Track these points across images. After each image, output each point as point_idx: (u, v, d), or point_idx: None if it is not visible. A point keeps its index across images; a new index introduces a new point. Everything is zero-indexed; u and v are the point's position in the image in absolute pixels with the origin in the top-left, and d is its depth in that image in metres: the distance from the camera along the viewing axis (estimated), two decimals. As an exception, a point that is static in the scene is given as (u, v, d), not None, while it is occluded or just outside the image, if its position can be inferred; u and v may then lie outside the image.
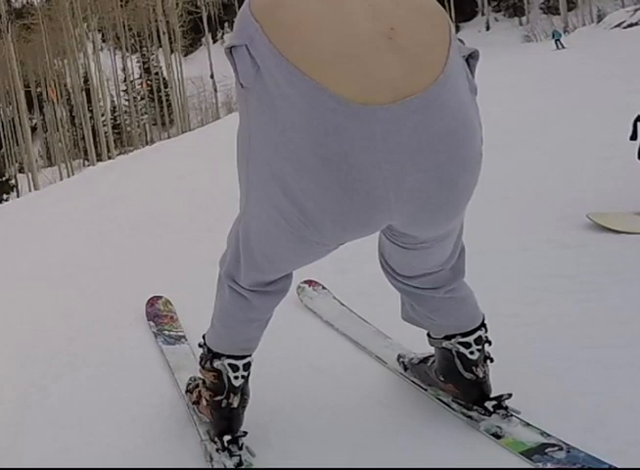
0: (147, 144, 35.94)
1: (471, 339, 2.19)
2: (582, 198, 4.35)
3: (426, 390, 2.37)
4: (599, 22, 42.89)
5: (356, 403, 2.39)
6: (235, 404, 2.11)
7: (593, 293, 3.03)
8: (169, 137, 30.68)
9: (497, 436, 2.09)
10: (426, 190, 1.72)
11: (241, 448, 2.08)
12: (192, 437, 2.27)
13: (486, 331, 2.24)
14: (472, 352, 2.18)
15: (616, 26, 35.86)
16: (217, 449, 2.10)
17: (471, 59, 1.83)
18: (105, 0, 53.63)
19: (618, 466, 1.89)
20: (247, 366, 2.15)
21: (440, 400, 2.30)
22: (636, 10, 37.33)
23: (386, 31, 1.65)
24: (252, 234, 1.97)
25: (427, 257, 2.07)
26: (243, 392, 2.14)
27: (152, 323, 3.18)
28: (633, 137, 3.92)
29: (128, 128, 59.40)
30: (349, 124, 1.62)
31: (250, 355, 2.17)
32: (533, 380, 2.35)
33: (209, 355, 2.17)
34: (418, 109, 1.64)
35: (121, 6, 55.48)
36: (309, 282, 3.31)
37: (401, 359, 2.53)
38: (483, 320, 2.24)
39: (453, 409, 2.24)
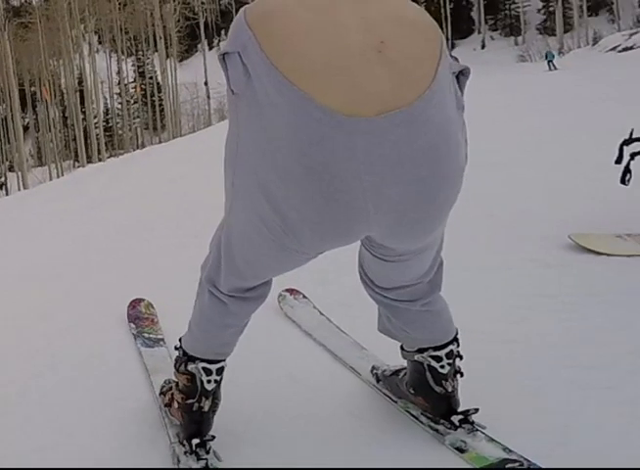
0: (138, 148, 35.93)
1: (442, 353, 2.20)
2: (566, 218, 4.39)
3: (396, 402, 2.39)
4: (594, 44, 43.14)
5: (329, 414, 2.40)
6: (206, 408, 2.13)
7: (574, 313, 3.06)
8: (160, 142, 30.64)
9: (461, 450, 2.11)
10: (405, 203, 1.75)
11: (208, 453, 2.09)
12: (163, 439, 2.28)
13: (458, 345, 2.26)
14: (442, 366, 2.20)
15: (611, 50, 36.06)
16: (185, 452, 2.11)
17: (461, 76, 1.87)
18: (103, 2, 53.44)
19: None
20: (220, 371, 2.16)
21: (409, 413, 2.32)
22: (632, 34, 37.57)
23: (376, 44, 1.68)
24: (235, 240, 1.99)
25: (405, 269, 2.09)
26: (214, 396, 2.16)
27: (132, 325, 3.20)
28: (618, 161, 3.97)
29: (120, 131, 59.29)
30: (333, 135, 1.65)
31: (224, 360, 2.18)
32: (507, 397, 2.38)
33: (184, 358, 2.19)
34: (401, 123, 1.67)
35: (119, 9, 55.41)
36: (291, 291, 3.34)
37: (375, 371, 2.55)
38: (456, 335, 2.26)
39: (421, 422, 2.26)
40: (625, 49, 34.25)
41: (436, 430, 2.20)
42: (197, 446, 2.09)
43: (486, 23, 67.00)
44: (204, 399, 2.13)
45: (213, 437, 2.12)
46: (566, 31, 55.13)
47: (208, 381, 2.14)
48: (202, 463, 2.08)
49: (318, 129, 1.65)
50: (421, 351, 2.22)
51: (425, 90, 1.69)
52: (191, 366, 2.15)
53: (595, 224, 4.17)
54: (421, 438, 2.22)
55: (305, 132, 1.66)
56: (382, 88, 1.66)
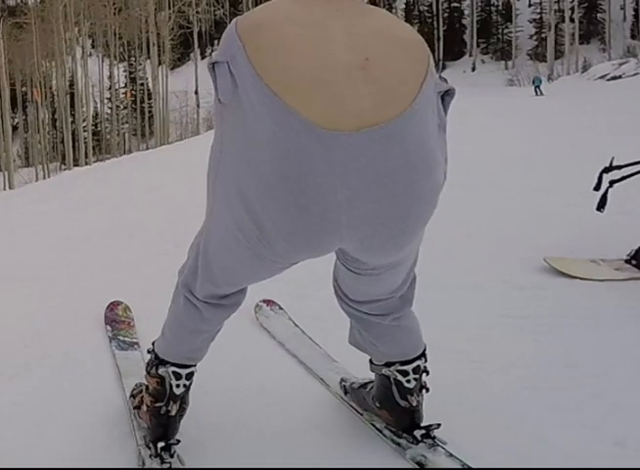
0: (125, 153, 35.78)
1: (409, 367, 2.22)
2: (544, 242, 4.44)
3: (362, 414, 2.42)
4: (584, 72, 43.48)
5: (296, 426, 2.43)
6: (173, 412, 2.15)
7: (544, 335, 3.10)
8: (148, 148, 30.60)
9: (421, 464, 2.13)
10: (378, 218, 1.78)
11: (172, 457, 2.11)
12: (131, 442, 2.30)
13: (426, 361, 2.27)
14: (408, 381, 2.22)
15: (599, 78, 36.36)
16: (150, 455, 2.13)
17: (447, 96, 1.90)
18: (98, 6, 53.35)
19: None
20: (189, 376, 2.18)
21: (374, 426, 2.34)
22: (621, 64, 37.92)
23: (360, 62, 1.71)
24: (212, 247, 2.02)
25: (377, 283, 2.10)
26: (182, 401, 2.17)
27: (108, 327, 3.22)
28: (597, 188, 4.03)
29: (108, 136, 59.01)
30: (312, 148, 1.68)
31: (194, 366, 2.20)
32: (472, 416, 2.41)
33: (156, 362, 2.21)
34: (379, 139, 1.70)
35: (114, 14, 55.25)
36: (267, 301, 3.37)
37: (343, 383, 2.57)
38: (424, 350, 2.28)
39: (384, 436, 2.28)
40: (614, 78, 34.58)
41: (398, 443, 2.22)
42: (162, 449, 2.10)
43: (478, 46, 67.46)
44: (172, 403, 2.15)
45: (178, 441, 2.14)
46: (556, 58, 55.60)
47: (177, 385, 2.15)
48: (165, 467, 2.09)
49: (298, 142, 1.69)
50: (388, 365, 2.24)
51: (405, 108, 1.72)
52: (161, 370, 2.17)
53: (571, 249, 4.23)
54: (383, 451, 2.24)
55: (285, 143, 1.70)
56: (363, 105, 1.69)
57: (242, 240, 1.87)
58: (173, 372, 2.16)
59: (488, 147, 9.42)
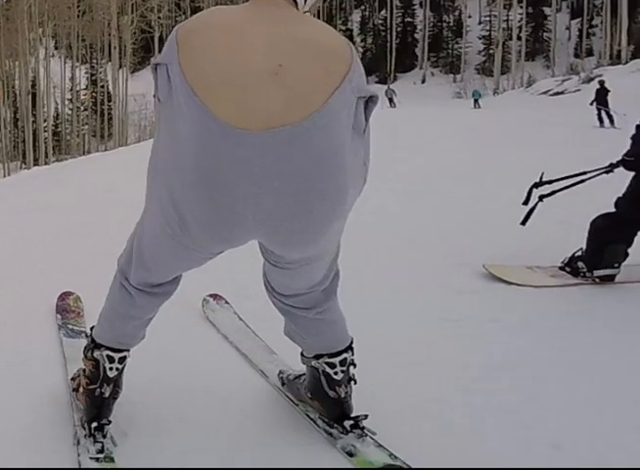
0: (84, 154, 35.39)
1: (336, 360, 2.26)
2: (482, 248, 4.46)
3: (297, 405, 2.45)
4: (528, 87, 44.03)
5: (234, 416, 2.44)
6: (106, 394, 2.20)
7: (480, 338, 3.11)
8: (106, 149, 30.24)
9: (351, 454, 2.17)
10: (280, 215, 1.86)
11: (105, 437, 2.16)
12: (70, 422, 2.33)
13: (353, 354, 2.31)
14: (336, 373, 2.26)
15: (543, 93, 36.90)
16: (85, 435, 2.18)
17: (370, 102, 1.94)
18: (63, 8, 52.73)
19: None
20: (122, 360, 2.24)
21: (308, 416, 2.37)
22: (564, 80, 38.53)
23: (274, 68, 1.78)
24: (145, 236, 2.11)
25: (296, 277, 2.17)
26: (116, 384, 2.23)
27: (59, 316, 3.22)
28: (526, 202, 4.06)
29: (68, 137, 58.21)
30: (222, 145, 1.79)
31: (127, 350, 2.26)
32: (405, 415, 2.42)
33: (92, 345, 2.27)
34: (285, 140, 1.78)
35: (78, 16, 54.68)
36: (214, 296, 3.39)
37: (281, 375, 2.61)
38: (351, 344, 2.32)
39: (318, 426, 2.32)
40: (557, 93, 35.11)
41: (330, 433, 2.26)
42: (95, 429, 2.15)
43: (429, 59, 67.92)
44: (105, 385, 2.20)
45: (110, 421, 2.18)
46: (502, 73, 56.20)
47: (111, 368, 2.21)
48: (98, 446, 2.13)
49: (211, 139, 1.79)
50: (317, 357, 2.29)
51: (313, 112, 1.79)
52: (96, 353, 2.23)
53: (509, 255, 4.25)
54: (316, 441, 2.28)
55: (200, 140, 1.81)
56: (272, 107, 1.78)
57: (167, 229, 1.96)
58: (107, 356, 2.22)
59: (429, 156, 9.48)
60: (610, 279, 3.81)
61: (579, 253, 3.94)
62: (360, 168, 1.97)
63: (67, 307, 3.29)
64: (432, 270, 4.11)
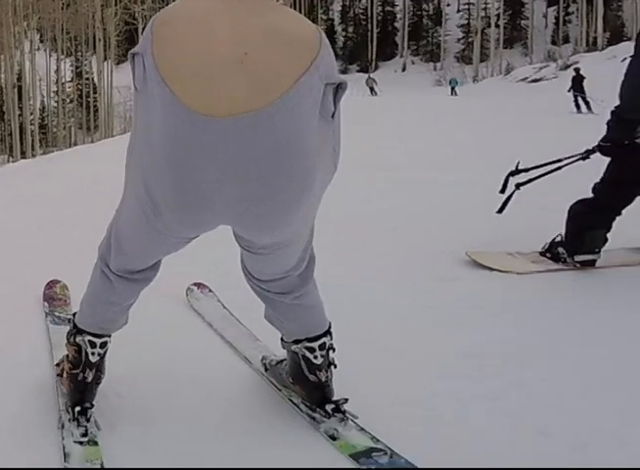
0: (70, 146, 35.12)
1: (316, 344, 2.28)
2: (464, 235, 4.42)
3: (280, 390, 2.46)
4: (506, 74, 44.07)
5: (219, 402, 2.45)
6: (89, 379, 2.23)
7: (463, 325, 3.07)
8: (93, 141, 30.06)
9: (333, 438, 2.18)
10: (246, 199, 1.88)
11: (88, 421, 2.18)
12: (55, 407, 2.35)
13: (331, 339, 2.32)
14: (316, 357, 2.27)
15: (521, 80, 36.93)
16: (69, 419, 2.20)
17: (340, 89, 1.94)
18: (47, 1, 52.19)
19: None
20: (103, 345, 2.27)
21: (291, 401, 2.38)
22: (542, 67, 38.58)
23: (239, 56, 1.80)
24: (122, 222, 2.15)
25: (270, 262, 2.18)
26: (98, 369, 2.25)
27: (46, 304, 3.24)
28: (502, 190, 4.03)
29: (54, 129, 57.70)
30: (188, 131, 1.82)
31: (108, 336, 2.29)
32: (389, 403, 2.39)
33: (74, 331, 2.30)
34: (248, 125, 1.80)
35: (62, 8, 54.21)
36: (198, 285, 3.39)
37: (264, 361, 2.61)
38: (329, 328, 2.33)
39: (301, 410, 2.33)
40: (534, 80, 35.17)
41: (313, 418, 2.27)
42: (78, 413, 2.18)
43: (409, 48, 67.93)
44: (88, 370, 2.23)
45: (92, 404, 2.21)
46: (481, 61, 56.35)
47: (92, 353, 2.24)
48: (81, 430, 2.15)
49: (177, 125, 1.82)
50: (297, 342, 2.31)
51: (276, 98, 1.80)
52: (79, 338, 2.26)
53: (490, 243, 4.21)
54: (299, 425, 2.28)
55: (169, 126, 1.83)
56: (236, 94, 1.79)
57: (141, 214, 1.99)
58: (89, 341, 2.24)
59: (410, 144, 9.46)
60: (590, 264, 3.79)
61: (559, 238, 3.92)
62: (330, 154, 1.98)
63: (53, 295, 3.31)
64: (414, 258, 4.08)
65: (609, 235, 3.82)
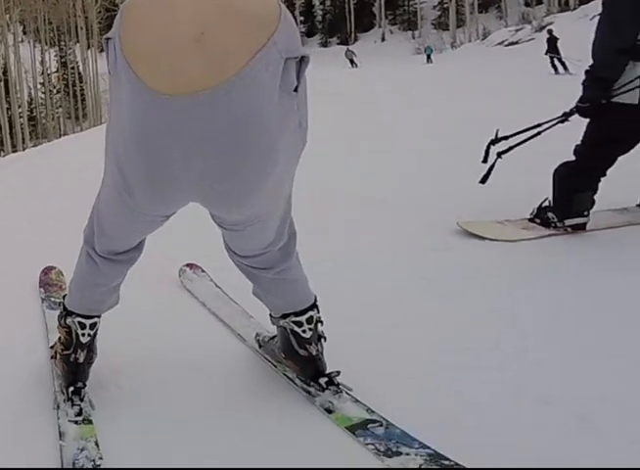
0: (60, 136, 34.83)
1: (303, 318, 2.28)
2: (451, 206, 4.32)
3: (275, 366, 2.45)
4: (484, 39, 43.80)
5: (215, 378, 2.45)
6: (81, 360, 2.26)
7: (458, 296, 3.00)
8: (82, 130, 29.84)
9: (329, 411, 2.17)
10: (209, 177, 1.89)
11: (82, 400, 2.21)
12: (51, 388, 2.37)
13: (318, 312, 2.32)
14: (304, 331, 2.28)
15: (498, 44, 36.70)
16: (64, 399, 2.23)
17: (303, 63, 1.92)
18: (28, -7, 51.80)
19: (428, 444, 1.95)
20: (93, 325, 2.30)
21: (287, 376, 2.37)
22: (517, 30, 38.32)
23: (196, 35, 1.79)
24: (102, 203, 2.16)
25: (246, 237, 2.18)
26: (89, 349, 2.28)
27: (42, 290, 3.25)
28: (485, 160, 3.93)
29: (44, 121, 57.25)
30: (152, 110, 1.83)
31: (97, 317, 2.32)
32: (388, 376, 2.34)
33: (64, 313, 2.33)
34: (206, 103, 1.79)
35: (42, 0, 53.67)
36: (190, 265, 3.37)
37: (257, 337, 2.61)
38: (315, 302, 2.33)
39: (296, 385, 2.32)
40: (511, 44, 34.96)
41: (309, 392, 2.26)
42: (72, 393, 2.21)
43: (386, 17, 67.34)
44: (79, 350, 2.26)
45: (85, 384, 2.24)
46: (458, 27, 55.94)
47: (83, 334, 2.27)
48: (76, 409, 2.18)
49: (142, 105, 1.84)
50: (284, 316, 2.31)
51: (232, 75, 1.78)
52: (69, 320, 2.30)
53: (477, 211, 4.12)
54: (296, 399, 2.26)
55: (135, 107, 1.85)
56: (194, 73, 1.78)
57: (117, 196, 2.02)
58: (79, 322, 2.28)
59: (392, 114, 9.35)
60: (581, 228, 3.71)
61: (546, 203, 3.84)
62: (295, 128, 1.95)
63: (49, 281, 3.33)
64: (404, 229, 3.99)
65: (595, 197, 3.73)
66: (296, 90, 1.90)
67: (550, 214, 3.77)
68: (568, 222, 3.70)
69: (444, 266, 3.38)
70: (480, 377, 2.32)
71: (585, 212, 3.68)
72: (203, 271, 3.33)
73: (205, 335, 2.77)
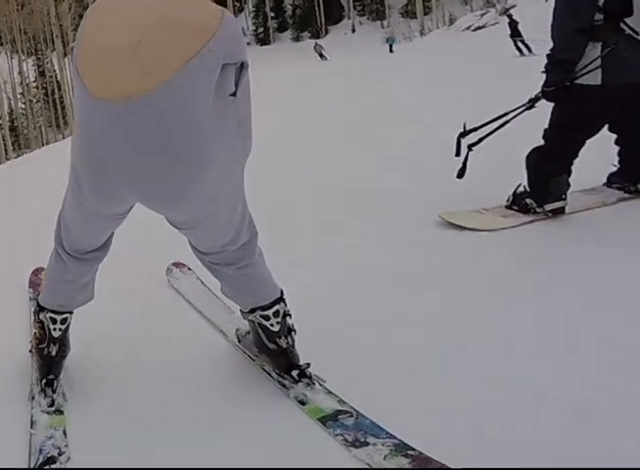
0: (43, 146, 34.45)
1: (269, 312, 2.29)
2: (438, 197, 4.18)
3: (254, 360, 2.45)
4: (450, 25, 43.62)
5: (197, 373, 2.47)
6: (54, 353, 2.35)
7: (439, 289, 2.91)
8: (64, 138, 29.55)
9: (303, 403, 2.18)
10: (144, 179, 1.94)
11: (55, 392, 2.29)
12: (29, 380, 2.43)
13: (286, 305, 2.33)
14: (272, 325, 2.29)
15: (465, 29, 36.54)
16: (39, 391, 2.30)
17: (243, 68, 1.96)
18: (2, 3, 51.22)
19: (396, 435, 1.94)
20: (64, 321, 2.38)
21: (264, 370, 2.38)
22: (483, 14, 38.19)
23: (133, 44, 1.84)
24: (66, 204, 2.22)
25: (198, 236, 2.23)
26: (62, 343, 2.37)
27: (31, 290, 3.30)
28: (457, 154, 3.83)
29: (25, 131, 56.65)
30: (94, 115, 1.90)
31: (69, 313, 2.39)
32: (376, 373, 2.30)
33: (38, 308, 2.41)
34: (140, 108, 1.84)
35: (17, 10, 53.16)
36: (177, 264, 3.39)
37: (237, 332, 2.62)
38: (282, 295, 2.33)
39: (273, 378, 2.32)
40: (478, 28, 34.83)
41: (283, 384, 2.27)
42: (45, 384, 2.29)
43: (355, 9, 67.07)
44: (52, 344, 2.35)
45: (57, 376, 2.32)
46: (425, 14, 55.67)
47: (54, 329, 2.35)
48: (48, 400, 2.26)
49: (87, 110, 1.93)
50: (252, 311, 2.32)
51: (164, 82, 1.82)
52: (42, 315, 2.38)
53: (453, 202, 3.98)
54: (272, 392, 2.26)
55: (82, 112, 1.95)
56: (129, 80, 1.84)
57: (74, 197, 2.09)
58: (50, 318, 2.35)
59: (365, 104, 9.27)
60: (561, 211, 3.63)
61: (521, 189, 3.75)
62: (234, 131, 1.98)
63: (38, 282, 3.33)
64: (386, 223, 3.90)
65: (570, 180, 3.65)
66: (234, 95, 1.94)
67: (528, 200, 3.68)
68: (548, 207, 3.61)
69: (427, 259, 3.29)
70: (469, 371, 2.25)
71: (563, 196, 3.60)
72: (189, 269, 3.32)
73: (190, 331, 2.79)
